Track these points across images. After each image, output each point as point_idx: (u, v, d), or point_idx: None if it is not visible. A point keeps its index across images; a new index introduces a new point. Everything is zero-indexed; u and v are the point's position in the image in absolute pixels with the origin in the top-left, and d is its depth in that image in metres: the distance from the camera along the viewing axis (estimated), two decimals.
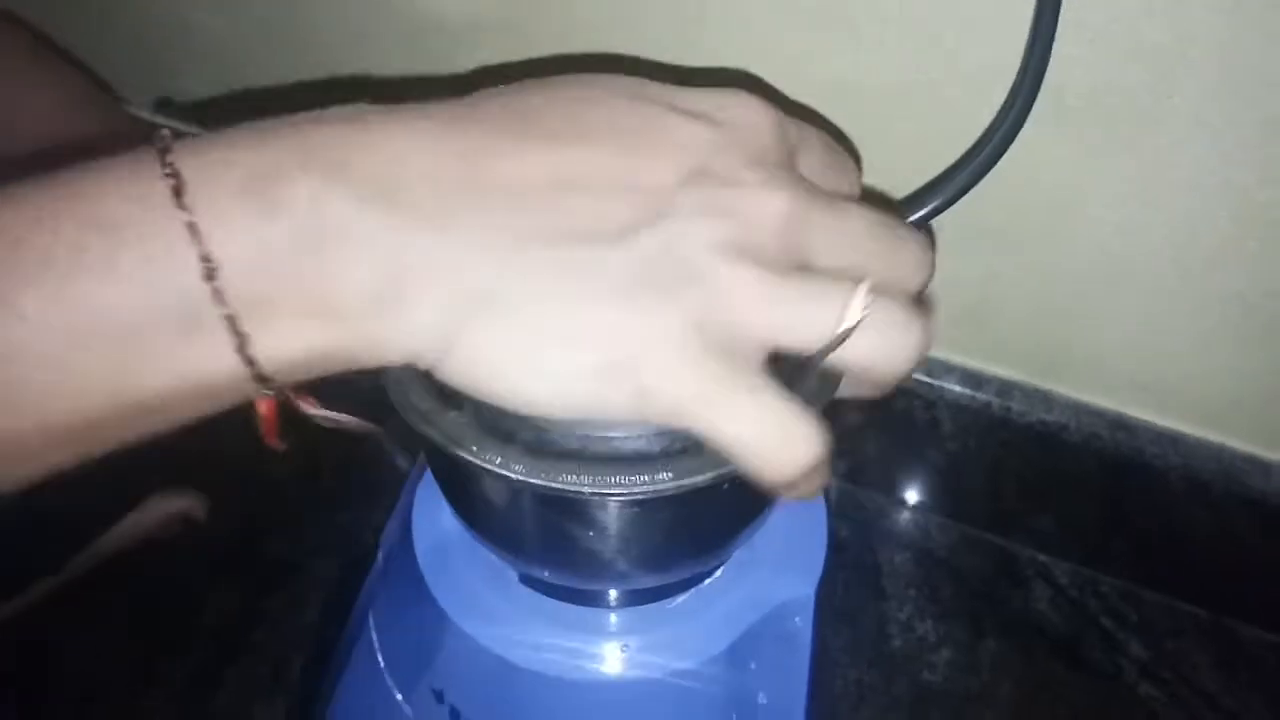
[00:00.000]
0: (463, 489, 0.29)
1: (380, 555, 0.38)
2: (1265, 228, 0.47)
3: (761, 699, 0.34)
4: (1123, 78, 0.44)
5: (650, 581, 0.29)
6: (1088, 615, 0.60)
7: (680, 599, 0.32)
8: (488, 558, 0.33)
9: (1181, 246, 0.49)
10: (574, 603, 0.32)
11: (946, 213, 0.48)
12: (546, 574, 0.30)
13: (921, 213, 0.34)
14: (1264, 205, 0.46)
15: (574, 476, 0.25)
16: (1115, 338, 0.54)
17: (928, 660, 0.58)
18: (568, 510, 0.26)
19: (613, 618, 0.32)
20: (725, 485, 0.26)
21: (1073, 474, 0.58)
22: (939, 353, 0.59)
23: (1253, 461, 0.55)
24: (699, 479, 0.25)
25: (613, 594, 0.32)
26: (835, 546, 0.61)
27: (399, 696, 0.37)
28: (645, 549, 0.28)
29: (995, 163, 0.34)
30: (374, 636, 0.38)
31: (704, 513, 0.27)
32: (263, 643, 0.58)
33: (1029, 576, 0.62)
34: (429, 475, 0.36)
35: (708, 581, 0.33)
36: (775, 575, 0.33)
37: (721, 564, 0.32)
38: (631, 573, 0.28)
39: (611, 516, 0.26)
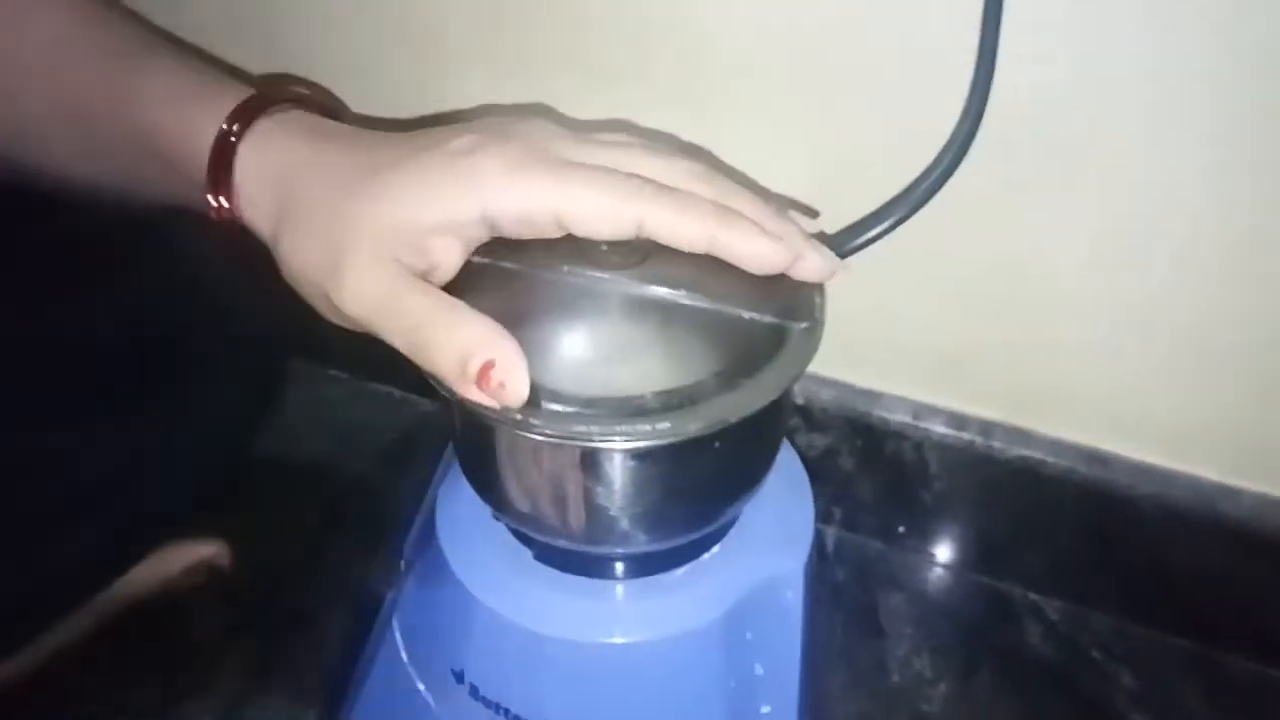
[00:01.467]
0: (484, 456, 0.33)
1: (404, 560, 0.42)
2: (1204, 263, 0.51)
3: (758, 670, 0.36)
4: (1065, 122, 0.49)
5: (652, 540, 0.32)
6: (1079, 649, 0.62)
7: (679, 572, 0.35)
8: (506, 540, 0.36)
9: (1133, 284, 0.54)
10: (584, 575, 0.35)
11: (922, 265, 0.53)
12: (558, 534, 0.33)
13: (859, 240, 0.38)
14: (1204, 242, 0.50)
15: (584, 428, 0.29)
16: (1086, 374, 0.58)
17: (925, 694, 0.60)
18: (577, 463, 0.30)
19: (619, 589, 0.35)
20: (716, 441, 0.30)
21: (1054, 508, 0.61)
22: (924, 397, 0.63)
23: (1224, 489, 0.58)
24: (694, 427, 0.29)
25: (618, 567, 0.35)
26: (833, 590, 0.64)
27: (421, 686, 0.40)
28: (647, 503, 0.31)
29: (928, 200, 0.39)
30: (397, 636, 0.41)
31: (699, 466, 0.31)
32: (282, 685, 0.60)
33: (1020, 613, 0.64)
34: (451, 474, 0.39)
35: (704, 557, 0.36)
36: (765, 552, 0.36)
37: (719, 528, 0.36)
38: (634, 531, 0.32)
39: (616, 467, 0.30)
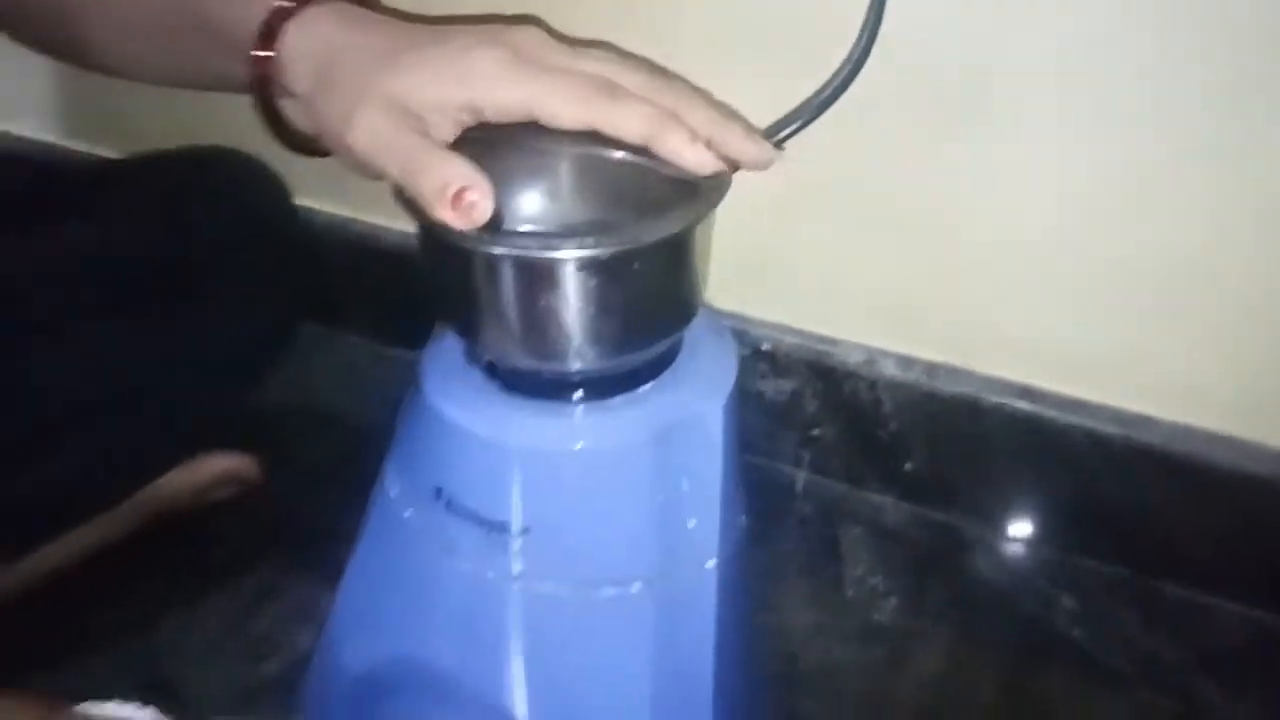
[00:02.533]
0: (451, 284, 0.40)
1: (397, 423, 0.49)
2: (1112, 201, 0.59)
3: (685, 486, 0.44)
4: (971, 59, 0.57)
5: (592, 353, 0.40)
6: (1022, 574, 0.68)
7: (619, 399, 0.43)
8: (478, 378, 0.44)
9: (1049, 224, 0.61)
10: (542, 398, 0.42)
11: (863, 217, 0.61)
12: (512, 349, 0.40)
13: (785, 133, 0.46)
14: (1112, 180, 0.58)
15: (531, 243, 0.37)
16: (1016, 315, 0.65)
17: (877, 606, 0.66)
18: (525, 276, 0.38)
19: (570, 410, 0.42)
20: (637, 261, 0.38)
21: (995, 442, 0.68)
22: (876, 342, 0.70)
23: (1147, 419, 0.64)
24: (617, 243, 0.37)
25: (570, 392, 0.42)
26: (798, 523, 0.71)
27: (407, 515, 0.47)
28: (586, 316, 0.38)
29: (834, 101, 0.46)
30: (387, 478, 0.48)
31: (627, 284, 0.38)
32: (306, 578, 0.66)
33: (969, 542, 0.70)
34: (432, 341, 0.47)
35: (640, 389, 0.43)
36: (692, 391, 0.44)
37: (652, 361, 0.43)
38: (578, 344, 0.39)
39: (557, 279, 0.37)
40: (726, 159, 0.40)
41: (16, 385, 0.58)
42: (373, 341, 0.88)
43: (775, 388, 0.73)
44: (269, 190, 0.67)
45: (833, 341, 0.70)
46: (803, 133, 0.47)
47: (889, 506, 0.72)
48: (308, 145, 0.46)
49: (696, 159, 0.39)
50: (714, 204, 0.39)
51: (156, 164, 0.65)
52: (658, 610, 0.44)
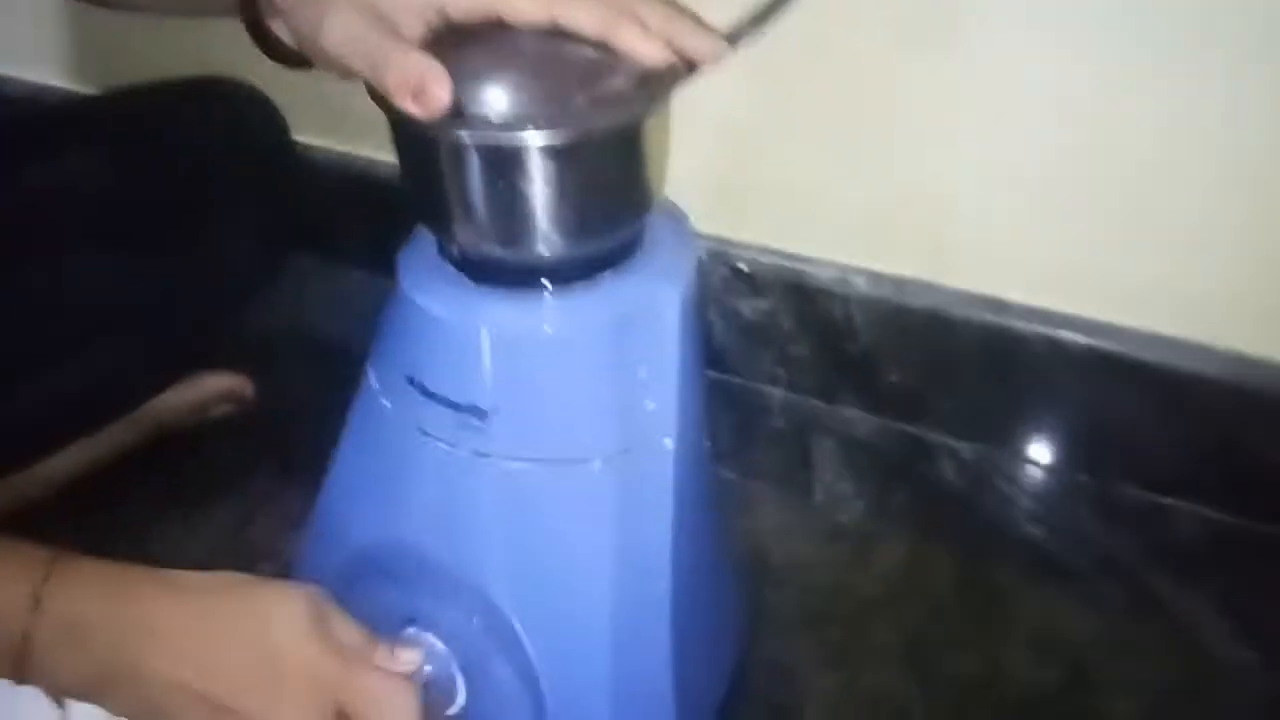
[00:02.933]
0: (422, 177, 0.43)
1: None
2: (1073, 118, 0.60)
3: (642, 373, 0.46)
4: None
5: (554, 238, 0.42)
6: (985, 479, 0.71)
7: (580, 287, 0.45)
8: (452, 272, 0.46)
9: (1012, 141, 0.63)
10: (510, 286, 0.45)
11: (833, 140, 0.62)
12: (480, 236, 0.43)
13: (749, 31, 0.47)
14: (1072, 98, 0.60)
15: (492, 129, 0.39)
16: (981, 230, 0.67)
17: (843, 508, 0.69)
18: (489, 160, 0.40)
19: (536, 297, 0.45)
20: (593, 148, 0.40)
21: (962, 353, 0.70)
22: (847, 259, 0.72)
23: (1109, 327, 0.66)
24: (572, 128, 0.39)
25: (535, 280, 0.45)
26: (773, 438, 0.73)
27: (386, 404, 0.50)
28: (546, 201, 0.41)
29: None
30: (371, 375, 0.51)
31: (581, 170, 0.41)
32: (299, 489, 0.69)
33: (935, 451, 0.73)
34: (408, 244, 0.50)
35: (600, 276, 0.45)
36: (651, 280, 0.46)
37: (613, 249, 0.45)
38: (541, 230, 0.42)
39: (520, 163, 0.40)
40: (681, 54, 0.42)
41: (20, 304, 0.61)
42: (366, 272, 0.90)
43: (752, 307, 0.75)
44: (267, 120, 0.69)
45: (807, 260, 0.73)
46: (774, 57, 0.49)
47: (859, 419, 0.75)
48: (294, 59, 0.48)
49: (650, 51, 0.41)
50: (667, 94, 0.41)
51: (158, 92, 0.68)
52: (618, 486, 0.46)
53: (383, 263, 0.88)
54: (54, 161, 0.65)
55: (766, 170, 0.71)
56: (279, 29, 0.47)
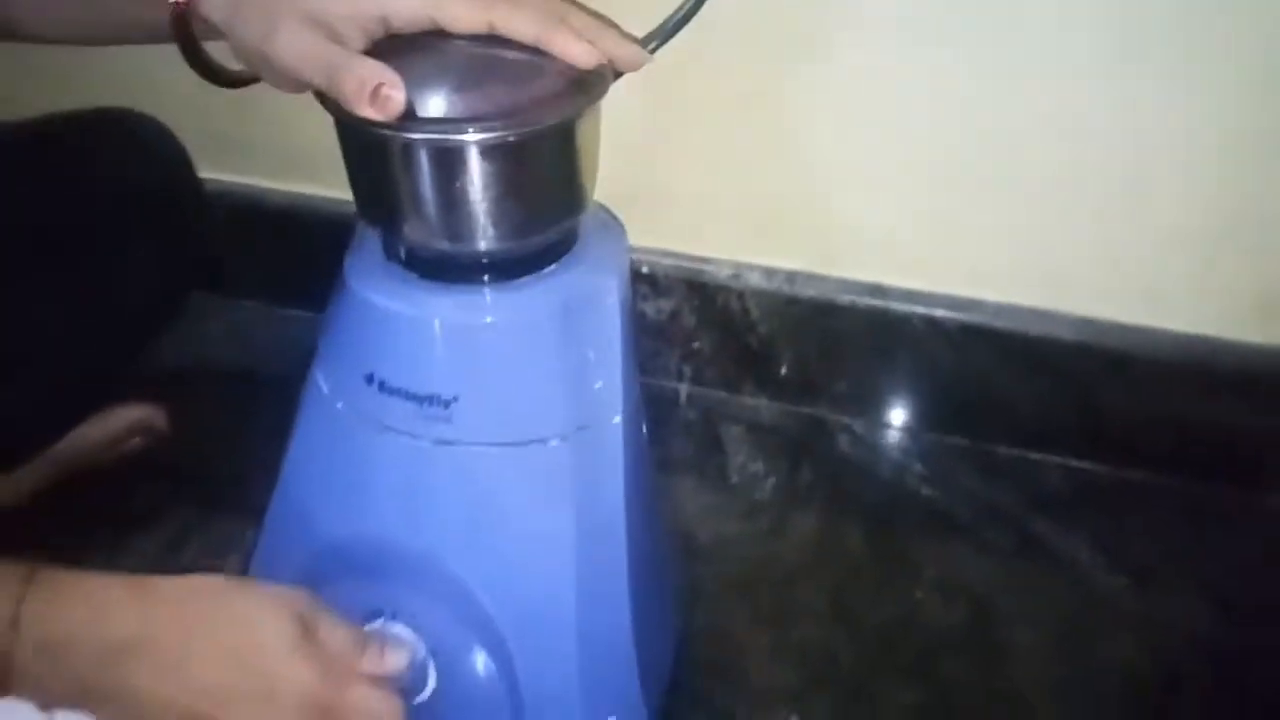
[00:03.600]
0: (369, 177, 0.46)
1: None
2: (942, 117, 0.68)
3: (590, 355, 0.50)
4: None
5: (495, 234, 0.45)
6: (879, 450, 0.77)
7: (525, 279, 0.49)
8: (399, 270, 0.49)
9: (884, 140, 0.70)
10: (459, 282, 0.48)
11: (724, 143, 0.68)
12: (426, 232, 0.46)
13: (659, 40, 0.52)
14: (939, 100, 0.67)
15: (439, 129, 0.43)
16: (863, 221, 0.74)
17: (759, 487, 0.74)
18: (437, 159, 0.43)
19: (483, 290, 0.48)
20: (531, 146, 0.44)
21: (850, 338, 0.77)
22: (742, 256, 0.78)
23: (975, 302, 0.74)
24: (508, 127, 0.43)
25: (481, 275, 0.48)
26: (684, 427, 0.78)
27: (340, 405, 0.52)
28: (488, 199, 0.44)
29: (687, 22, 0.53)
30: (319, 375, 0.53)
31: (521, 168, 0.44)
32: (221, 519, 0.70)
33: (833, 430, 0.79)
34: (355, 243, 0.52)
35: (545, 270, 0.49)
36: (591, 271, 0.50)
37: (552, 243, 0.49)
38: (483, 225, 0.45)
39: (463, 161, 0.43)
40: (608, 59, 0.47)
41: None
42: (261, 303, 0.91)
43: (656, 307, 0.80)
44: (172, 153, 0.69)
45: (704, 259, 0.78)
46: (670, 68, 0.54)
47: (763, 406, 0.81)
48: (225, 78, 0.50)
49: (582, 53, 0.45)
50: (598, 95, 0.46)
51: (59, 124, 0.67)
52: (574, 461, 0.50)
53: (276, 292, 0.89)
54: None
55: (662, 178, 0.76)
56: (210, 50, 0.49)
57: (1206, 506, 0.72)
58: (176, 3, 0.46)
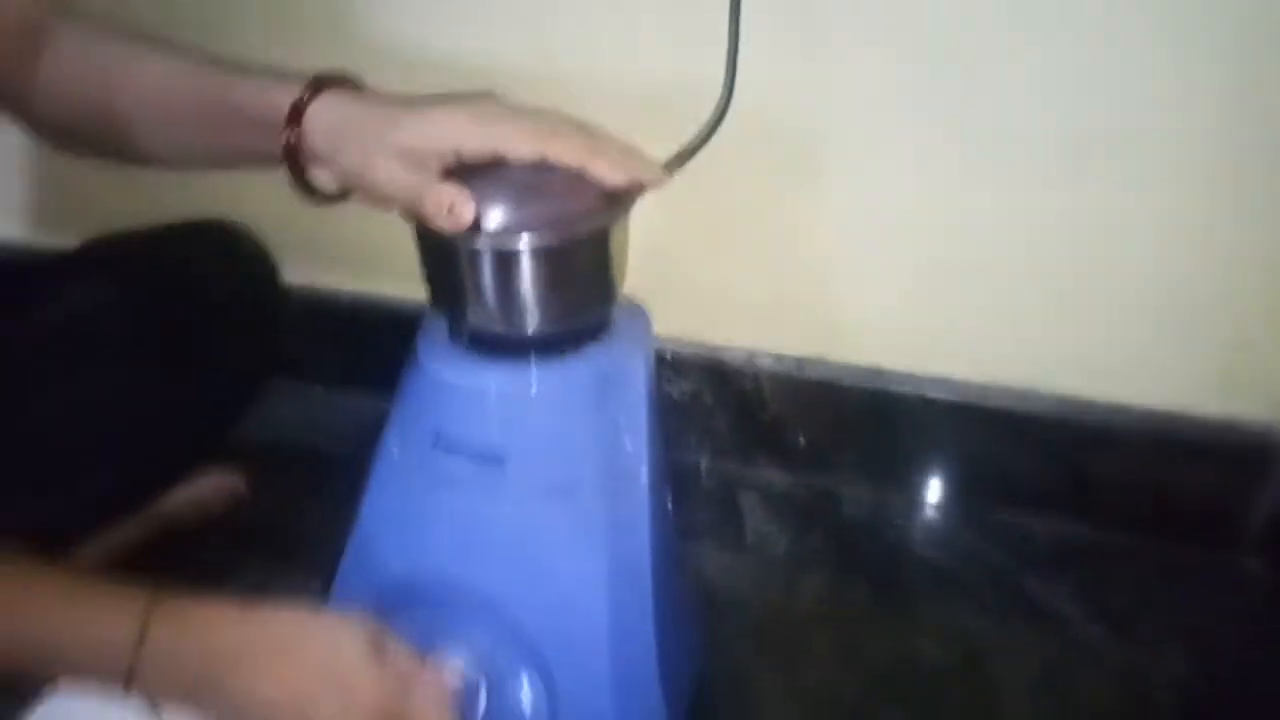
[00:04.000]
0: (441, 274, 0.56)
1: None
2: (916, 233, 0.78)
3: (621, 419, 0.60)
4: (805, 121, 0.77)
5: (545, 319, 0.55)
6: (883, 514, 0.85)
7: (565, 357, 0.58)
8: (462, 349, 0.59)
9: (874, 248, 0.80)
10: (508, 359, 0.58)
11: (730, 240, 0.78)
12: (486, 318, 0.56)
13: (676, 164, 0.63)
14: (915, 223, 0.78)
15: (501, 238, 0.53)
16: (863, 313, 0.84)
17: (772, 547, 0.83)
18: (498, 261, 0.54)
19: (531, 366, 0.58)
20: (574, 249, 0.54)
21: (853, 414, 0.86)
22: (754, 343, 0.87)
23: (966, 383, 0.83)
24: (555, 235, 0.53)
25: (530, 352, 0.58)
26: (704, 496, 0.87)
27: (408, 464, 0.61)
28: (539, 291, 0.54)
29: (699, 149, 0.63)
30: (391, 440, 0.63)
31: (566, 266, 0.55)
32: (295, 571, 0.79)
33: (840, 496, 0.87)
34: (424, 330, 0.62)
35: (584, 348, 0.59)
36: (621, 351, 0.60)
37: (590, 328, 0.59)
38: (533, 311, 0.55)
39: (519, 263, 0.53)
40: (636, 180, 0.57)
41: (49, 419, 0.70)
42: (327, 388, 1.01)
43: (679, 389, 0.89)
44: (260, 258, 0.81)
45: (721, 347, 0.88)
46: (692, 184, 0.64)
47: (776, 477, 0.89)
48: (321, 197, 0.61)
49: (615, 176, 0.56)
50: (627, 209, 0.56)
51: (162, 233, 0.79)
52: (607, 511, 0.59)
53: (339, 379, 1.00)
54: (66, 296, 0.74)
55: (683, 276, 0.86)
56: (314, 173, 0.60)
57: (1181, 564, 0.79)
58: (288, 137, 0.57)
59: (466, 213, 0.53)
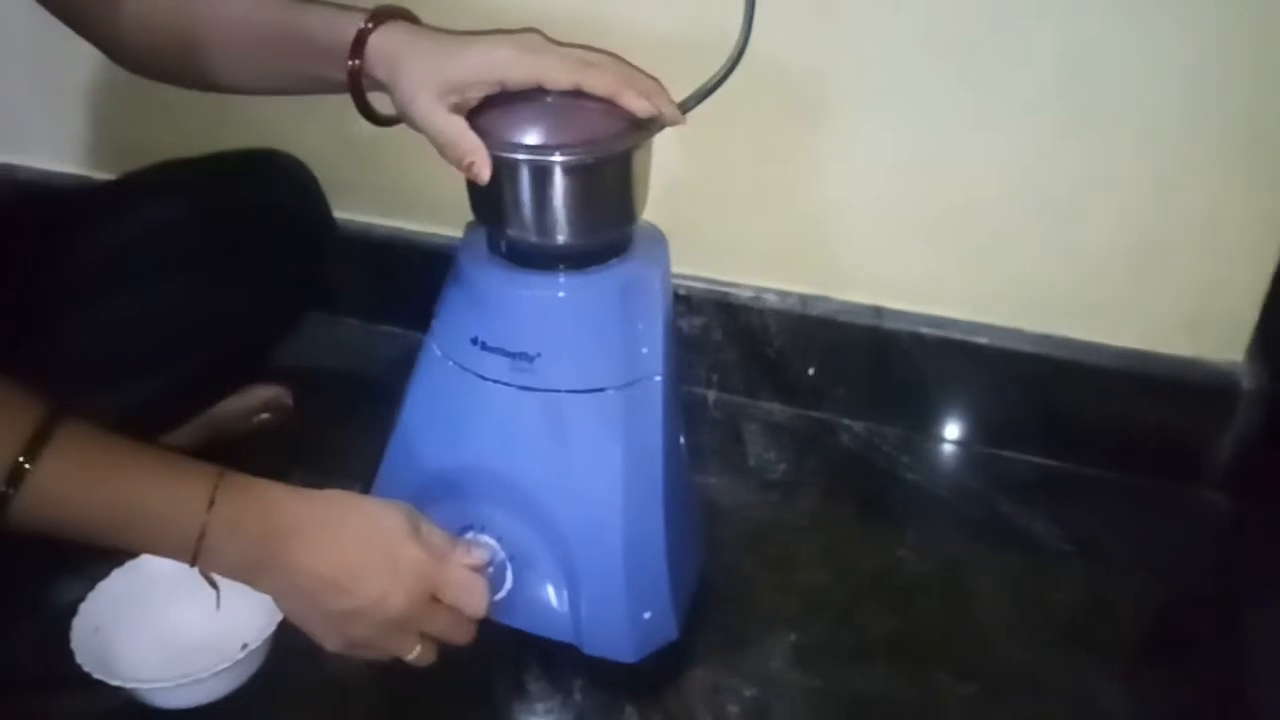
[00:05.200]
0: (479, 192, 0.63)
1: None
2: (921, 180, 0.85)
3: (639, 326, 0.66)
4: (817, 70, 0.83)
5: (575, 233, 0.62)
6: (873, 445, 0.92)
7: (591, 268, 0.65)
8: (500, 259, 0.66)
9: (880, 191, 0.87)
10: (540, 268, 0.65)
11: (745, 186, 0.85)
12: (526, 233, 0.63)
13: (692, 103, 0.70)
14: (921, 167, 0.84)
15: (528, 153, 0.60)
16: (863, 254, 0.90)
17: (771, 469, 0.89)
18: (532, 177, 0.60)
19: (560, 275, 0.65)
20: (602, 169, 0.61)
21: (850, 351, 0.92)
22: (761, 282, 0.94)
23: (954, 320, 0.90)
24: (587, 154, 0.60)
25: (560, 263, 0.64)
26: (710, 425, 0.93)
27: (449, 363, 0.68)
28: (567, 206, 0.61)
29: (722, 83, 0.70)
30: (433, 345, 0.70)
31: (594, 184, 0.61)
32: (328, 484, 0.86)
33: (836, 429, 0.94)
34: (466, 237, 0.69)
35: (610, 262, 0.66)
36: (640, 265, 0.67)
37: (615, 243, 0.66)
38: (564, 225, 0.62)
39: (549, 178, 0.60)
40: (658, 112, 0.64)
41: (120, 325, 0.77)
42: (363, 321, 1.08)
43: (690, 323, 0.96)
44: (311, 186, 0.88)
45: (730, 284, 0.95)
46: (704, 126, 0.70)
47: (777, 409, 0.96)
48: (382, 119, 0.68)
49: (642, 107, 0.62)
50: (651, 134, 0.63)
51: (227, 159, 0.86)
52: (625, 406, 0.66)
53: (376, 312, 1.06)
54: (141, 211, 0.81)
55: (696, 215, 0.93)
56: (373, 98, 0.67)
57: (1149, 495, 0.86)
58: (352, 65, 0.64)
59: (482, 171, 0.60)
